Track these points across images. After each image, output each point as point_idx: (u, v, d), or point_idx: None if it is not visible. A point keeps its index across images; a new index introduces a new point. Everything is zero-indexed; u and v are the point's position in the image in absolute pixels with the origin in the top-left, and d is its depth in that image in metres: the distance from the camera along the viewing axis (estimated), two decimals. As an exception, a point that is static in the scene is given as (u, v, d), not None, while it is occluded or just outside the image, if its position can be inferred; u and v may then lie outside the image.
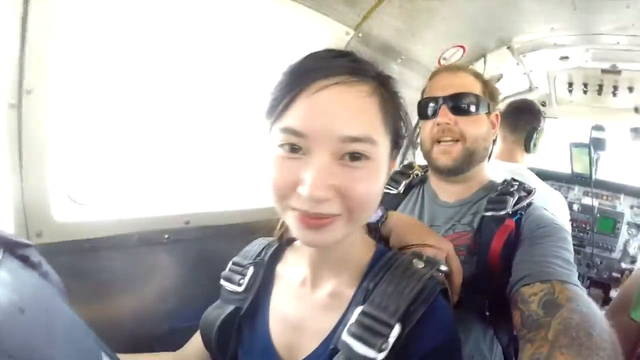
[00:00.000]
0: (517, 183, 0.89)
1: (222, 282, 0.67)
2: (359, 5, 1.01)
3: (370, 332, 0.48)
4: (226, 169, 1.11)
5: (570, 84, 1.83)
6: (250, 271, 0.64)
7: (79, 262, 0.77)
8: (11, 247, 0.46)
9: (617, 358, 0.52)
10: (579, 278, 0.69)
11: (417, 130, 1.14)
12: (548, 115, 2.35)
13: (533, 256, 0.72)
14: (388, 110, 0.51)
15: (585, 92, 1.81)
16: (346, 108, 0.47)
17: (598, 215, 2.17)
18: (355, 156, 0.47)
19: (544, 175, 1.43)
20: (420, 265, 0.54)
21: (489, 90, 0.92)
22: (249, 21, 0.92)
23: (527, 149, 1.57)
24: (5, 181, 0.66)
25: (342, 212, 0.48)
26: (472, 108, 0.88)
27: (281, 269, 0.65)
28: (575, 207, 2.25)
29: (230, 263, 0.69)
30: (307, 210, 0.46)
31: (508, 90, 1.99)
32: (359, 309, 0.50)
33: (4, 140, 0.64)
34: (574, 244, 0.84)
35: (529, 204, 0.83)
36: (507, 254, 0.76)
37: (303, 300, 0.59)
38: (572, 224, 1.94)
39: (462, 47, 1.39)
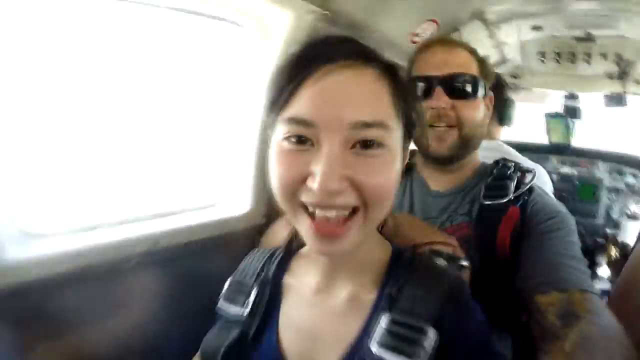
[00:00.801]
0: (512, 164, 0.82)
1: (222, 304, 0.60)
2: (323, -21, 0.90)
3: (405, 342, 0.45)
4: (193, 174, 0.98)
5: (543, 54, 1.80)
6: (255, 291, 0.58)
7: (38, 305, 0.65)
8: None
9: None
10: None
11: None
12: (521, 87, 2.35)
13: (545, 255, 0.68)
14: (399, 96, 0.47)
15: (557, 61, 1.79)
16: (356, 92, 0.44)
17: (577, 183, 2.19)
18: (367, 144, 0.44)
19: (519, 148, 1.41)
20: (442, 262, 0.53)
21: (485, 70, 0.83)
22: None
23: (502, 123, 1.55)
24: None
25: (359, 204, 0.45)
26: (470, 91, 0.79)
27: (289, 280, 0.59)
28: (554, 177, 2.26)
29: (228, 283, 0.62)
30: (319, 202, 0.43)
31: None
32: (387, 317, 0.47)
33: None
34: None
35: (531, 189, 0.77)
36: (514, 244, 0.71)
37: (318, 308, 0.54)
38: (553, 194, 1.94)
39: (434, 21, 1.31)
